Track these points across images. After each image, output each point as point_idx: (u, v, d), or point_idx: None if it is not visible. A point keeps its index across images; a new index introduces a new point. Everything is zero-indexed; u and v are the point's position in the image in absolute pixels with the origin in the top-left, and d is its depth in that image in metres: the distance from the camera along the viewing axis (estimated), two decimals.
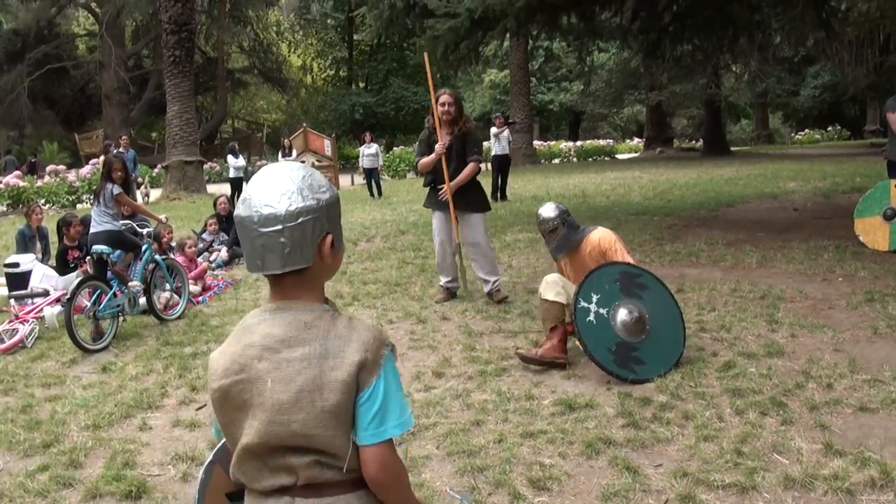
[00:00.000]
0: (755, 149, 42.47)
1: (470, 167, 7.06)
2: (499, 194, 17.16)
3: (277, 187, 1.70)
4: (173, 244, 9.42)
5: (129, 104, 41.47)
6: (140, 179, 22.28)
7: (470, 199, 7.21)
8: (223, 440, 1.87)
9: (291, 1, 55.59)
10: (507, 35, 11.87)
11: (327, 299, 1.82)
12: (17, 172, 24.52)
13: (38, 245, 10.43)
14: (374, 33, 14.64)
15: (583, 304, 5.14)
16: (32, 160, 34.16)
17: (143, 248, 7.60)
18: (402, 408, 1.71)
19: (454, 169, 7.08)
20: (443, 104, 7.01)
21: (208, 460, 2.01)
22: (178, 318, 7.58)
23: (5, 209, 21.68)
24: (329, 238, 1.75)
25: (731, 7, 12.38)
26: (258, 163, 39.05)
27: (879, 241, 8.81)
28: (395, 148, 39.86)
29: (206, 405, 5.01)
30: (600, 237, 5.62)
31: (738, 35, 13.74)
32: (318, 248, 1.73)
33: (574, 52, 33.51)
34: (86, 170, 23.74)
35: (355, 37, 44.84)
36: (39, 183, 23.28)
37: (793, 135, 56.56)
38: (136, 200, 17.43)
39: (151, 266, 7.57)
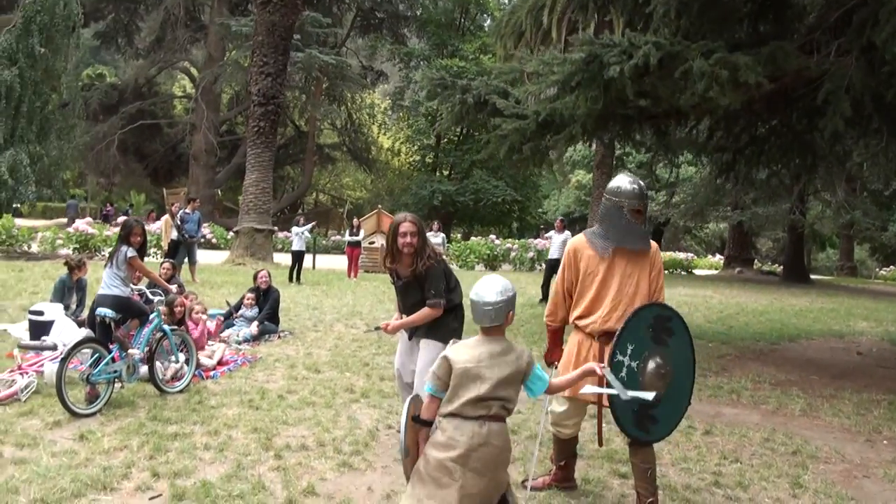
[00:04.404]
0: (837, 280, 41.17)
1: (425, 311, 5.65)
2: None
3: (496, 285, 3.67)
4: (200, 314, 9.23)
5: (215, 166, 42.49)
6: (201, 239, 22.46)
7: (430, 326, 5.81)
8: (414, 393, 4.34)
9: (388, 87, 56.81)
10: (573, 141, 11.56)
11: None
12: (89, 219, 25.06)
13: (75, 297, 10.38)
14: (445, 125, 14.60)
15: (619, 357, 4.36)
16: (105, 210, 35.11)
17: (152, 315, 7.37)
18: (543, 382, 3.74)
19: (413, 304, 5.79)
20: (403, 234, 5.58)
21: (410, 397, 3.86)
22: (180, 391, 7.29)
23: (71, 252, 22.00)
24: (511, 313, 3.71)
25: (811, 136, 11.93)
26: (333, 237, 39.49)
27: None
28: (472, 238, 39.80)
29: (160, 495, 4.68)
30: (656, 248, 4.81)
31: (817, 164, 13.24)
32: (506, 316, 3.66)
33: (662, 163, 33.30)
34: (155, 225, 24.12)
35: None
36: (109, 232, 23.68)
37: (878, 270, 54.76)
38: (196, 258, 17.56)
39: (158, 335, 7.33)
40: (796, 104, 11.41)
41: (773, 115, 12.33)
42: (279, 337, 10.66)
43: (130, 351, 6.94)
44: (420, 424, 3.65)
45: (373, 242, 27.67)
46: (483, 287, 3.66)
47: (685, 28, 10.55)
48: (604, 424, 4.89)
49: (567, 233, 17.77)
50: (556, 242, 17.30)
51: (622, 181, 4.78)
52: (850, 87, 8.59)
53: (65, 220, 32.62)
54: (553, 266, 17.17)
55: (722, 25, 11.00)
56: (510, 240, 38.54)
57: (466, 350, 3.59)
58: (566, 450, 5.15)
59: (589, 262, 4.82)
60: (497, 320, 3.61)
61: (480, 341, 3.64)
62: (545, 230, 18.79)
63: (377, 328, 6.08)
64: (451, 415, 3.53)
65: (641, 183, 4.73)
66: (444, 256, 21.00)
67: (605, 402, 4.64)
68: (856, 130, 11.26)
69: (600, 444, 4.99)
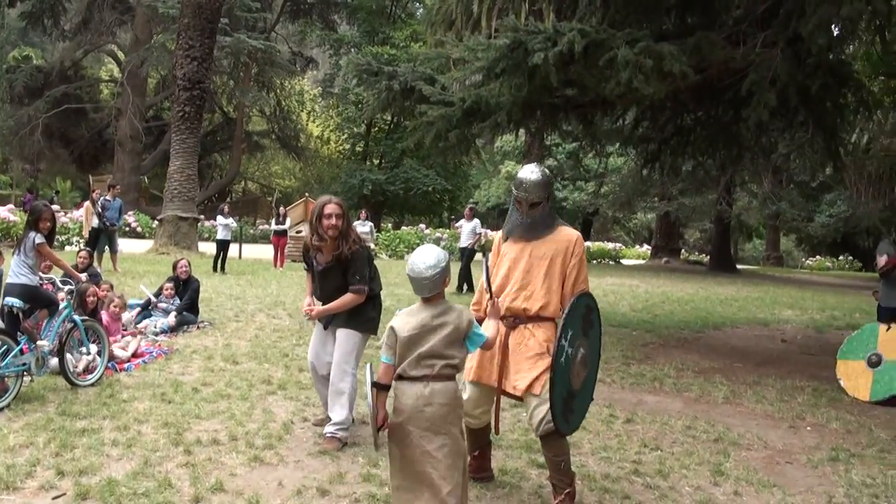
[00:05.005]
0: (763, 270, 42.04)
1: (348, 297, 5.61)
2: (465, 286, 16.78)
3: (428, 258, 3.85)
4: (121, 306, 8.93)
5: (142, 153, 41.48)
6: (124, 227, 21.89)
7: (348, 315, 5.76)
8: (371, 365, 3.98)
9: (317, 74, 56.15)
10: (499, 129, 11.48)
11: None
12: (11, 206, 24.26)
13: None
14: (371, 112, 14.40)
15: (562, 342, 4.30)
16: (25, 199, 34.26)
17: (62, 305, 7.08)
18: (481, 337, 3.96)
19: (334, 289, 5.72)
20: (328, 216, 5.51)
21: (370, 369, 3.91)
22: (92, 384, 7.01)
23: None
24: (447, 278, 3.94)
25: (736, 127, 12.03)
26: (261, 226, 38.95)
27: (860, 389, 8.19)
28: (403, 227, 39.59)
29: (65, 494, 4.47)
30: (577, 238, 4.72)
31: (742, 155, 13.38)
32: (442, 283, 3.90)
33: (590, 154, 33.38)
34: (78, 212, 23.44)
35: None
36: None
37: (804, 260, 56.10)
38: (117, 246, 17.08)
39: (69, 326, 7.04)
40: (722, 95, 11.47)
41: (698, 106, 12.41)
42: (198, 328, 10.37)
43: (39, 342, 6.65)
44: (379, 389, 3.85)
45: (300, 231, 27.28)
46: (418, 262, 3.87)
47: (612, 17, 10.54)
48: (524, 415, 4.80)
49: (476, 221, 17.81)
50: (465, 231, 17.48)
51: (522, 169, 4.77)
52: (775, 78, 8.64)
53: None
54: (464, 254, 17.31)
55: (648, 16, 11.03)
56: (440, 229, 38.48)
57: (409, 318, 3.84)
58: (479, 439, 5.03)
59: (504, 245, 4.88)
60: (435, 289, 3.87)
61: (421, 307, 3.89)
62: (455, 220, 19.27)
63: (308, 318, 5.94)
64: (399, 377, 3.81)
65: (534, 176, 4.63)
66: (372, 245, 20.83)
67: (509, 389, 4.60)
68: (781, 122, 11.38)
69: (496, 431, 4.87)
